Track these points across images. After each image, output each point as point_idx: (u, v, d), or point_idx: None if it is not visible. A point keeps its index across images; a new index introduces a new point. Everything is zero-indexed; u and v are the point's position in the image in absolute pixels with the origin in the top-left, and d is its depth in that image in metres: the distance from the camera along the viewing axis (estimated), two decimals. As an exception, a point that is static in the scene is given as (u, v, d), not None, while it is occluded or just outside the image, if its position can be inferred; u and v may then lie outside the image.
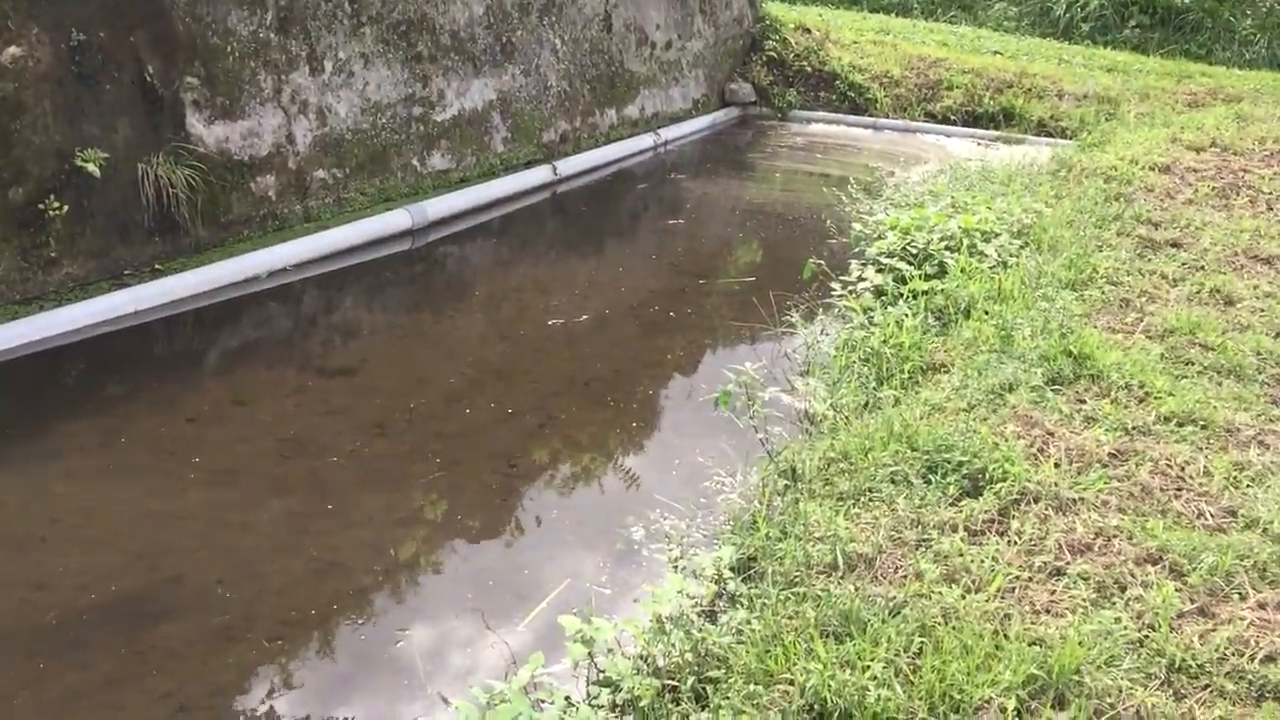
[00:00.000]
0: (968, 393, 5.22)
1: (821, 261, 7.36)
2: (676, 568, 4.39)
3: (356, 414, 5.99)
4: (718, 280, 8.49)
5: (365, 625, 4.30)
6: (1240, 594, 3.74)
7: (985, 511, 4.20)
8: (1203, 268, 7.06)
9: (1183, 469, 4.52)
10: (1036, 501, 4.26)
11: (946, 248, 7.34)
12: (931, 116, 14.54)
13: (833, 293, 7.14)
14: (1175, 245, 7.54)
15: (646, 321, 7.60)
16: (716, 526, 4.86)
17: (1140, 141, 10.50)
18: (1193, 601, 3.71)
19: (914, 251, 7.38)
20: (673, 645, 3.63)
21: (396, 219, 8.83)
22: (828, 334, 6.89)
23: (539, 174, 10.70)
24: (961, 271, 6.93)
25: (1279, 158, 9.97)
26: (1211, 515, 4.21)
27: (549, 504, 5.25)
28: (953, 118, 14.41)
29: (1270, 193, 8.82)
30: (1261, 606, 3.66)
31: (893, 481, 4.46)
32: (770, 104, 14.91)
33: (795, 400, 6.01)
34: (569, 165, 11.15)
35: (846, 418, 5.37)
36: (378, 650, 4.16)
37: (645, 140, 12.69)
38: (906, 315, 6.40)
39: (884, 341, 6.10)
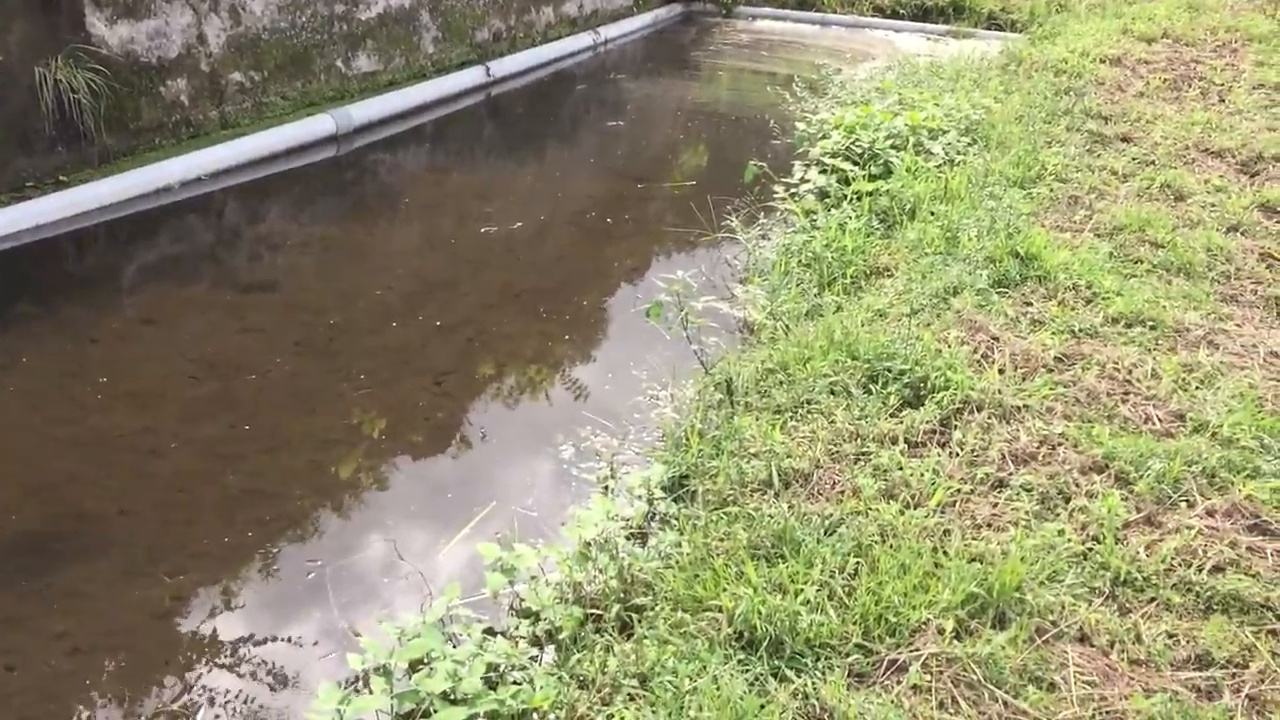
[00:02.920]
0: (911, 297, 5.01)
1: (764, 164, 7.06)
2: (606, 489, 4.19)
3: (276, 332, 5.69)
4: (659, 185, 8.17)
5: (277, 556, 4.06)
6: (1188, 501, 3.60)
7: (926, 422, 4.02)
8: (1153, 162, 6.86)
9: (1130, 372, 4.36)
10: (979, 410, 4.09)
11: (892, 146, 7.07)
12: (880, 11, 14.10)
13: (775, 196, 6.86)
14: (1125, 140, 7.33)
15: (584, 229, 7.30)
16: (650, 443, 4.65)
17: (1091, 33, 10.22)
18: (1139, 510, 3.57)
19: (859, 151, 7.10)
20: (598, 572, 3.44)
21: (320, 124, 8.40)
22: (769, 239, 6.63)
23: (472, 75, 10.23)
24: (907, 171, 6.67)
25: (1230, 48, 9.75)
26: (1159, 420, 4.06)
27: (477, 423, 5.01)
28: (901, 12, 13.98)
29: (1222, 84, 8.61)
30: (1210, 514, 3.53)
31: (832, 392, 4.26)
32: (714, 0, 14.37)
33: (734, 309, 5.77)
34: (504, 66, 10.67)
35: (786, 326, 5.15)
36: (289, 583, 3.93)
37: (584, 39, 12.18)
38: (850, 217, 6.16)
39: (826, 245, 5.85)
